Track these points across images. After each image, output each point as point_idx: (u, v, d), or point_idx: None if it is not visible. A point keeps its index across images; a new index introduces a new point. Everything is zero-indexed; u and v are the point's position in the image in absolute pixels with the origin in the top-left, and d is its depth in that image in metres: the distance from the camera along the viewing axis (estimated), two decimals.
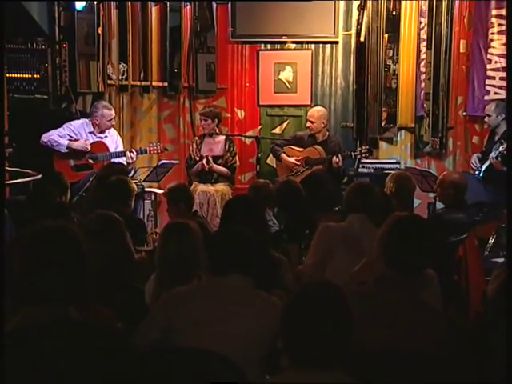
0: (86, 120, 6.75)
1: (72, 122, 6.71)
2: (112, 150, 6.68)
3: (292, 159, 6.90)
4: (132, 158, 6.55)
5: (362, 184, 4.41)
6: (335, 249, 3.90)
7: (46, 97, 6.88)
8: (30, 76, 6.83)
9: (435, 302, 3.13)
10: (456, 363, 2.50)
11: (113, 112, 6.77)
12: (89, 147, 6.54)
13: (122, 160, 6.56)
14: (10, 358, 2.02)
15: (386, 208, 4.05)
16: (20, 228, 4.14)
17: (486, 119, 6.60)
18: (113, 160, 6.53)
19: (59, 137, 6.53)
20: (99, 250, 3.38)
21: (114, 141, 6.80)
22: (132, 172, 6.52)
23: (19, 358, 2.06)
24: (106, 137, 6.75)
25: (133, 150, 6.65)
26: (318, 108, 7.09)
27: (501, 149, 6.14)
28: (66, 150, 6.51)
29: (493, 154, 6.20)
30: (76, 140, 6.57)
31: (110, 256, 3.42)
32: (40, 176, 5.70)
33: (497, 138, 6.48)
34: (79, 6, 7.03)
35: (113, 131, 6.87)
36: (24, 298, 2.20)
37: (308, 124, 6.94)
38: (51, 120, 6.77)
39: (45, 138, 6.51)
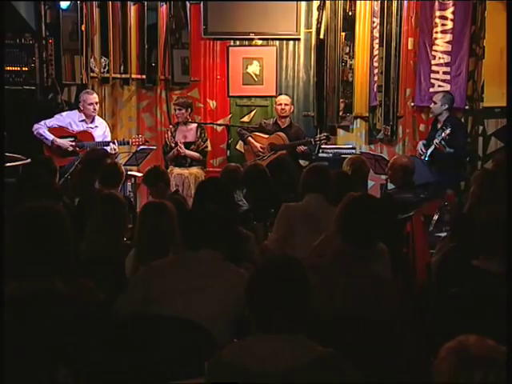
0: (77, 110, 6.65)
1: (63, 113, 6.63)
2: (99, 139, 6.57)
3: (257, 144, 6.91)
4: (114, 150, 6.46)
5: (317, 166, 4.35)
6: (295, 225, 3.90)
7: (33, 88, 6.82)
8: (18, 69, 6.76)
9: (386, 272, 3.16)
10: (402, 326, 2.53)
11: (93, 96, 6.63)
12: (70, 148, 6.40)
13: (106, 149, 6.47)
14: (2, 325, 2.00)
15: (345, 187, 4.00)
16: (11, 208, 4.07)
17: (431, 105, 6.58)
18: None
19: (47, 127, 6.43)
20: (105, 225, 3.39)
21: (103, 131, 6.69)
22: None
23: (10, 326, 2.04)
24: (96, 127, 6.64)
25: (115, 142, 6.55)
26: (287, 96, 7.15)
27: (443, 134, 6.19)
28: (50, 144, 6.40)
29: (436, 140, 6.25)
30: (62, 135, 6.45)
31: (114, 232, 3.42)
32: (29, 160, 5.62)
33: (439, 125, 6.52)
34: (64, 5, 7.00)
35: (103, 123, 6.77)
36: (14, 271, 2.18)
37: (283, 107, 6.94)
38: (39, 109, 6.70)
39: (34, 129, 6.42)
